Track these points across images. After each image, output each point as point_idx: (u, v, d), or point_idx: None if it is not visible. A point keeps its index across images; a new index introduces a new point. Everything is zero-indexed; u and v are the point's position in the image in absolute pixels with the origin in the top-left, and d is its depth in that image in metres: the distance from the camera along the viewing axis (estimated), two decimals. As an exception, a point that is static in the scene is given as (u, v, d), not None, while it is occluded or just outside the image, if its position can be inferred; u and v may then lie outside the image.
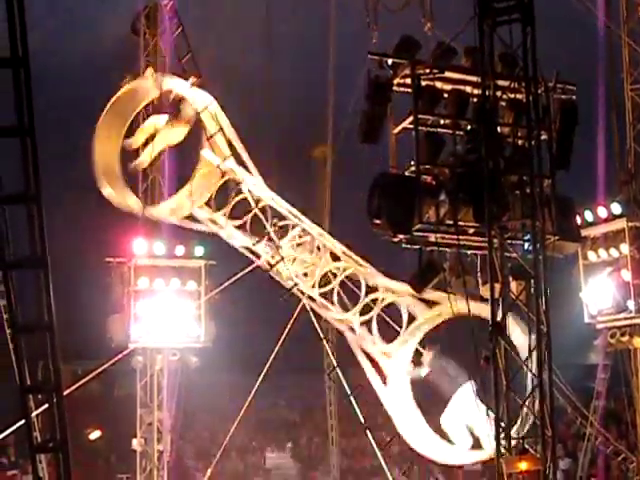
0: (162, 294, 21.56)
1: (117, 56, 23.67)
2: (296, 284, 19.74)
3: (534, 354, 13.35)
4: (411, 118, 14.25)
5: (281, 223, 20.10)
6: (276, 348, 20.71)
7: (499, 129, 14.22)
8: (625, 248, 20.52)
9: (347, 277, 19.59)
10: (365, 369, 19.34)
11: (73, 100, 30.28)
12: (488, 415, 13.93)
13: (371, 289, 19.37)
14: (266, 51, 23.11)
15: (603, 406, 23.70)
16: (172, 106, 20.24)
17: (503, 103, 14.17)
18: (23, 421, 8.57)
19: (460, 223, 13.96)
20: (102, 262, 21.95)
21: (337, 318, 19.60)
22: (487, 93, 13.70)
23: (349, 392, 20.89)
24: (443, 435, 18.99)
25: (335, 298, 19.58)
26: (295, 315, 20.10)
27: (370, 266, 19.47)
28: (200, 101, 20.38)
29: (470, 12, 13.64)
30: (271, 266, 19.95)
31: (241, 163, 20.36)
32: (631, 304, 20.37)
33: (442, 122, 14.57)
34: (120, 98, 20.40)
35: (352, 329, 19.52)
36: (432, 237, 14.30)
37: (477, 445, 18.31)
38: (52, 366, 8.03)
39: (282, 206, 19.95)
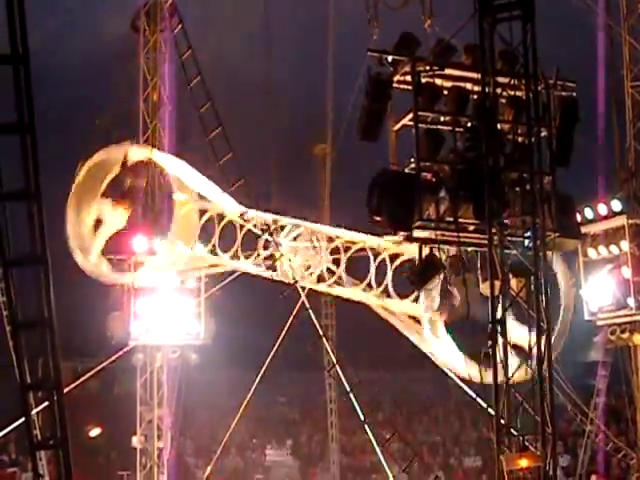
0: (162, 291, 21.57)
1: (117, 53, 23.66)
2: (296, 281, 19.72)
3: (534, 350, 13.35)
4: (411, 115, 14.24)
5: (281, 223, 20.09)
6: (276, 345, 20.72)
7: (499, 126, 14.20)
8: (625, 245, 20.53)
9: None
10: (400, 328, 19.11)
11: (73, 99, 30.28)
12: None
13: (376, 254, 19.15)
14: (266, 50, 23.12)
15: (603, 403, 23.74)
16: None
17: (503, 100, 14.16)
18: (23, 419, 8.56)
19: (460, 220, 13.95)
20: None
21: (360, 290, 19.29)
22: (487, 90, 13.69)
23: (349, 389, 20.88)
24: None
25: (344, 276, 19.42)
26: (295, 312, 20.08)
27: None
28: (167, 165, 20.62)
29: (470, 9, 13.64)
30: (272, 262, 19.93)
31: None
32: (631, 301, 20.38)
33: (442, 119, 14.55)
34: (91, 168, 20.41)
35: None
36: (432, 234, 14.30)
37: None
38: (52, 363, 8.03)
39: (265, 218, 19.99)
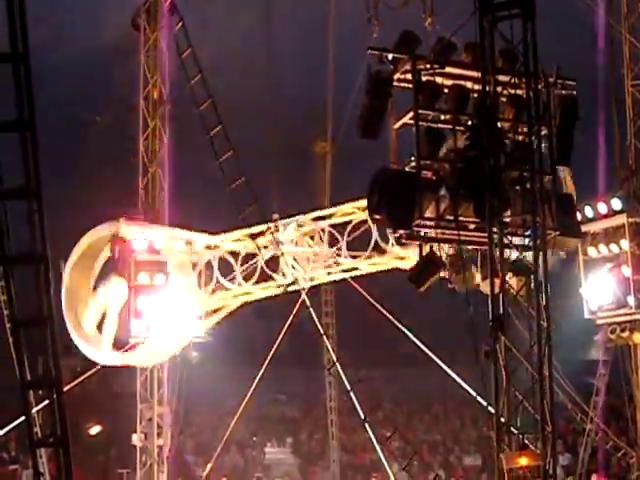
0: (163, 289, 21.55)
1: (117, 51, 23.68)
2: (296, 279, 19.73)
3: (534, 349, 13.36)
4: (411, 113, 14.24)
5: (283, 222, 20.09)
6: (276, 343, 20.72)
7: (499, 124, 14.21)
8: (625, 244, 20.52)
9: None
10: None
11: (73, 96, 30.28)
12: None
13: None
14: (266, 48, 23.14)
15: (603, 402, 23.74)
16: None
17: (503, 99, 14.15)
18: (24, 417, 8.57)
19: (460, 218, 13.96)
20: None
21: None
22: (487, 88, 13.69)
23: (349, 388, 20.89)
24: None
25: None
26: (295, 311, 20.10)
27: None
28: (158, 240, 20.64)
29: (470, 7, 13.64)
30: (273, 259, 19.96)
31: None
32: (631, 300, 20.37)
33: (442, 117, 14.56)
34: (84, 251, 20.32)
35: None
36: (432, 232, 14.30)
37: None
38: (52, 362, 8.03)
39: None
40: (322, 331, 20.44)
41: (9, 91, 7.57)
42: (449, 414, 36.31)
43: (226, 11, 27.02)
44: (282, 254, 19.83)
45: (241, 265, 19.96)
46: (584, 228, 19.64)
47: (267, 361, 20.67)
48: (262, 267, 19.72)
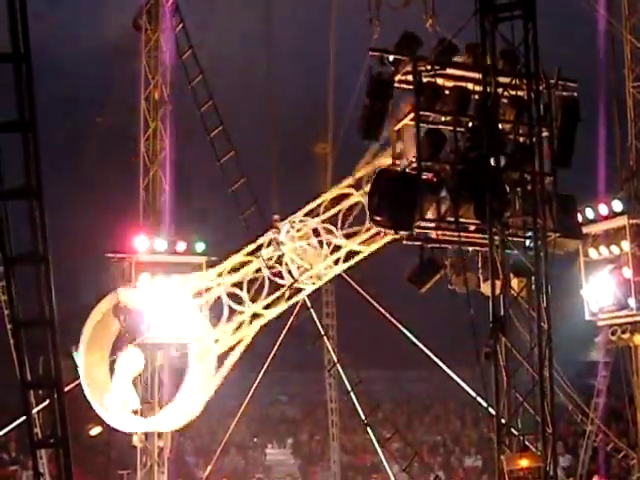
0: (163, 290, 21.55)
1: (119, 52, 23.68)
2: (296, 280, 19.72)
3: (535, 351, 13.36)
4: (412, 115, 14.24)
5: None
6: (277, 344, 20.70)
7: (500, 126, 14.20)
8: (626, 245, 20.52)
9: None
10: None
11: (74, 96, 30.29)
12: None
13: None
14: (267, 49, 23.14)
15: (604, 403, 23.73)
16: None
17: (504, 100, 14.16)
18: (24, 417, 8.57)
19: (461, 220, 13.96)
20: (103, 257, 21.95)
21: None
22: (488, 90, 13.69)
23: (350, 389, 20.89)
24: None
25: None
26: (296, 311, 20.09)
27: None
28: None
29: (472, 9, 13.64)
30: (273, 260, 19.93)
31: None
32: (632, 301, 20.38)
33: (443, 119, 14.55)
34: (94, 331, 20.27)
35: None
36: (433, 234, 14.30)
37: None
38: (53, 362, 8.03)
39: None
40: (323, 332, 20.43)
41: (10, 91, 7.57)
42: (450, 415, 36.28)
43: (226, 12, 27.00)
44: (283, 254, 19.82)
45: (248, 284, 19.96)
46: (585, 229, 19.63)
47: (268, 362, 20.66)
48: (268, 278, 19.70)
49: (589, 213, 20.93)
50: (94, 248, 23.27)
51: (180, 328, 21.61)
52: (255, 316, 20.04)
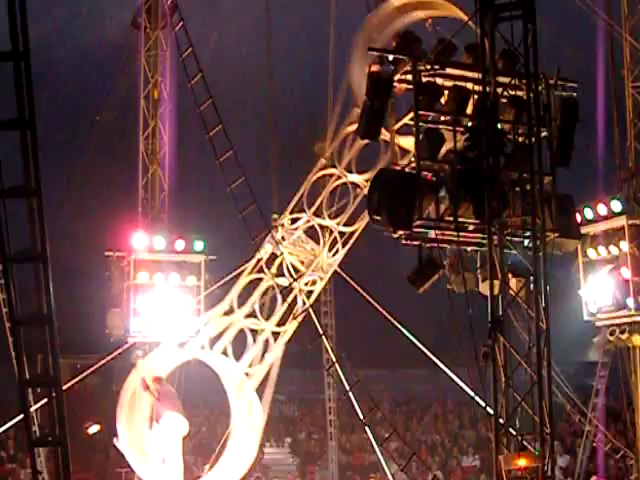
0: (162, 288, 21.57)
1: (118, 50, 23.67)
2: (295, 279, 19.73)
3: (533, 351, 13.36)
4: (411, 114, 14.24)
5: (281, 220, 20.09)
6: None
7: (500, 126, 14.19)
8: (625, 246, 20.53)
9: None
10: None
11: (74, 94, 30.27)
12: None
13: None
14: (266, 48, 23.10)
15: (602, 403, 23.73)
16: None
17: (504, 100, 14.15)
18: (22, 415, 8.57)
19: (460, 219, 13.94)
20: (102, 256, 21.96)
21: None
22: (488, 90, 13.69)
23: (348, 388, 20.89)
24: None
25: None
26: (295, 310, 20.09)
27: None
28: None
29: (471, 8, 13.64)
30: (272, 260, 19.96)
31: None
32: (630, 302, 20.39)
33: (443, 118, 14.55)
34: (129, 407, 20.09)
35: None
36: (432, 233, 14.29)
37: None
38: (51, 360, 8.03)
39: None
40: (321, 331, 20.44)
41: (9, 89, 7.58)
42: (448, 415, 36.25)
43: (226, 11, 26.98)
44: (281, 254, 19.84)
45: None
46: (584, 230, 19.65)
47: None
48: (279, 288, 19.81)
49: (588, 213, 20.94)
50: (93, 246, 23.29)
51: (177, 327, 21.65)
52: (276, 334, 20.14)
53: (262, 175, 21.41)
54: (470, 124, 14.47)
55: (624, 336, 21.14)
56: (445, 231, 14.22)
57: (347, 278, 20.69)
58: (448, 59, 14.55)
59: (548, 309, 13.47)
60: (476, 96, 14.38)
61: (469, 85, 14.47)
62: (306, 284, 20.14)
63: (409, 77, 14.19)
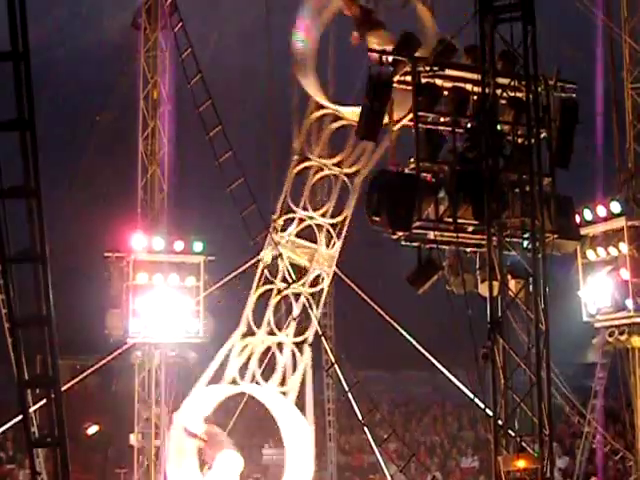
0: (161, 289, 21.58)
1: (118, 51, 23.67)
2: (294, 281, 19.73)
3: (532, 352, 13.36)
4: (411, 115, 14.23)
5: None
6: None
7: (499, 127, 14.20)
8: (624, 247, 20.54)
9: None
10: None
11: (74, 95, 30.26)
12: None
13: None
14: (267, 49, 23.09)
15: (601, 405, 23.71)
16: None
17: (503, 101, 14.15)
18: (21, 416, 8.57)
19: (459, 221, 13.94)
20: (101, 257, 21.97)
21: None
22: (487, 91, 13.70)
23: (347, 389, 20.88)
24: None
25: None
26: (293, 311, 20.08)
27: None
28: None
29: (471, 10, 13.64)
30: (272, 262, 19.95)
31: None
32: (629, 303, 20.39)
33: (442, 120, 14.54)
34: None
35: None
36: (431, 234, 14.29)
37: None
38: (50, 361, 8.03)
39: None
40: (320, 332, 20.44)
41: (9, 90, 7.57)
42: (447, 416, 36.24)
43: (226, 11, 26.97)
44: (280, 255, 19.84)
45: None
46: (583, 231, 19.67)
47: (265, 362, 20.62)
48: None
49: (587, 214, 20.95)
50: (92, 247, 23.28)
51: (177, 328, 21.67)
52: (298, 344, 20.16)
53: (262, 176, 21.39)
54: (469, 125, 14.47)
55: (623, 337, 21.15)
56: (444, 232, 14.22)
57: (346, 279, 20.69)
58: (448, 60, 14.55)
59: (547, 310, 13.47)
60: (475, 97, 14.39)
61: (468, 86, 14.46)
62: (312, 285, 20.11)
63: (408, 78, 14.20)
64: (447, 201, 13.98)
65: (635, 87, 21.84)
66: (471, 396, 17.77)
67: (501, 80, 13.88)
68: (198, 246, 21.94)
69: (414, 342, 21.15)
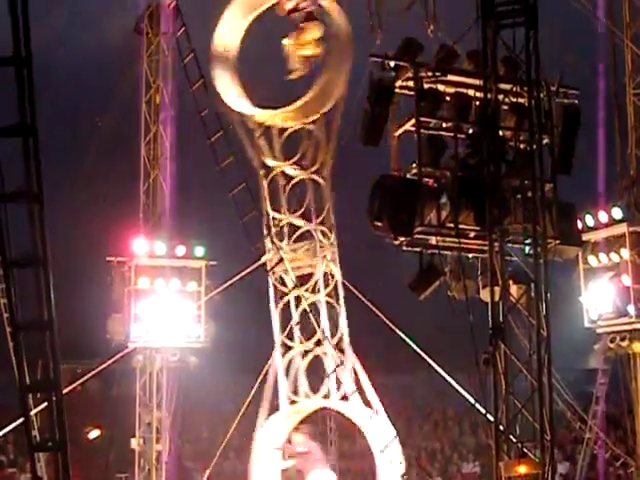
0: (162, 294, 21.57)
1: (120, 56, 23.67)
2: (296, 285, 19.73)
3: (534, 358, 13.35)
4: (413, 121, 14.24)
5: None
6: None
7: (501, 133, 14.21)
8: (626, 253, 20.54)
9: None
10: None
11: (75, 99, 30.29)
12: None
13: None
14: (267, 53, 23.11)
15: (602, 411, 23.69)
16: None
17: (505, 107, 14.16)
18: (22, 420, 8.56)
19: (461, 226, 13.95)
20: (103, 261, 21.97)
21: None
22: (489, 96, 13.70)
23: (348, 394, 20.85)
24: None
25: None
26: (295, 316, 20.08)
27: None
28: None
29: (473, 15, 13.64)
30: (272, 267, 19.94)
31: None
32: (631, 309, 20.39)
33: (444, 125, 14.55)
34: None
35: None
36: (433, 240, 14.29)
37: None
38: (52, 365, 8.02)
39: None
40: (322, 337, 20.41)
41: (11, 94, 7.57)
42: (448, 421, 36.23)
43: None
44: (281, 260, 19.84)
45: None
46: (585, 237, 19.65)
47: (267, 367, 20.62)
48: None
49: (589, 220, 20.94)
50: (94, 251, 23.28)
51: (178, 333, 21.67)
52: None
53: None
54: (471, 131, 14.48)
55: (624, 343, 21.14)
56: (446, 238, 14.23)
57: (349, 285, 20.66)
58: (450, 66, 14.55)
59: (549, 316, 13.47)
60: (478, 103, 14.39)
61: (471, 92, 14.48)
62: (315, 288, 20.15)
63: (411, 83, 14.21)
64: (449, 207, 13.99)
65: (637, 93, 21.85)
66: (472, 401, 17.75)
67: (503, 86, 13.89)
68: (200, 251, 21.94)
69: (415, 347, 21.12)
